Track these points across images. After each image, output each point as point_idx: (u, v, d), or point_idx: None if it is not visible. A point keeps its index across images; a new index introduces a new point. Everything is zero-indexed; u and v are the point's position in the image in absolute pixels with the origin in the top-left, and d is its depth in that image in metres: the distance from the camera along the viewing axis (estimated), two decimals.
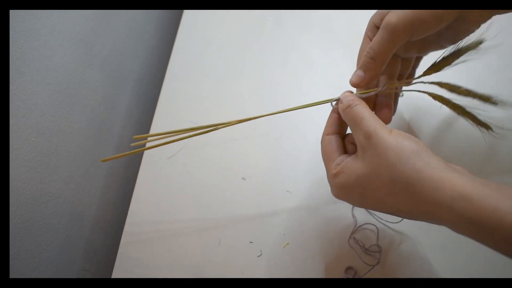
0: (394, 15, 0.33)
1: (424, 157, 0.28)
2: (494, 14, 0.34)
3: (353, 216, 0.42)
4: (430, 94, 0.39)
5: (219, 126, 0.39)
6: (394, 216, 0.36)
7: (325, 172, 0.35)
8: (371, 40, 0.36)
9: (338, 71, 0.51)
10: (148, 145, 0.39)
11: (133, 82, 0.61)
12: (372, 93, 0.38)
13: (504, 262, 0.38)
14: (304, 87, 0.51)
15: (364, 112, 0.32)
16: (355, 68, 0.37)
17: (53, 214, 0.42)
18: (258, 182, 0.45)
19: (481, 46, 0.38)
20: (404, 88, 0.42)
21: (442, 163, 0.28)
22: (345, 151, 0.35)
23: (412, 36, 0.33)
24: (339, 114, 0.36)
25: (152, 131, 0.50)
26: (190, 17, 0.59)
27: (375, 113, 0.35)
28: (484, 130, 0.40)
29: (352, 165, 0.32)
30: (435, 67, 0.39)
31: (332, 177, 0.33)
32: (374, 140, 0.30)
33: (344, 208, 0.42)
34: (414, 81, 0.40)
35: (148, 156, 0.48)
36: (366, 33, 0.38)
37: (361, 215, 0.42)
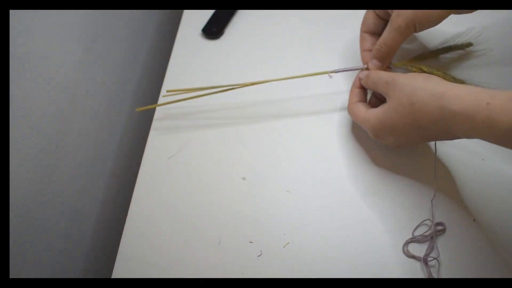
0: (401, 19, 0.40)
1: (435, 80, 0.35)
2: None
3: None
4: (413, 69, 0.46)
5: (235, 87, 0.47)
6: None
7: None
8: (370, 33, 0.46)
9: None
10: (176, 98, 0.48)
11: (133, 82, 0.61)
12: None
13: (504, 263, 0.38)
14: (305, 84, 0.51)
15: (379, 72, 0.41)
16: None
17: (53, 214, 0.42)
18: (258, 182, 0.45)
19: (469, 48, 0.48)
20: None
21: (450, 83, 0.34)
22: (370, 108, 0.42)
23: (416, 32, 0.41)
24: (358, 88, 0.44)
25: (152, 131, 0.50)
26: (190, 17, 0.59)
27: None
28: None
29: (380, 109, 0.39)
30: (422, 57, 0.47)
31: (366, 122, 0.40)
32: (393, 83, 0.37)
33: (344, 208, 0.43)
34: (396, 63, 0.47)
35: (148, 156, 0.48)
36: (364, 31, 0.46)
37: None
